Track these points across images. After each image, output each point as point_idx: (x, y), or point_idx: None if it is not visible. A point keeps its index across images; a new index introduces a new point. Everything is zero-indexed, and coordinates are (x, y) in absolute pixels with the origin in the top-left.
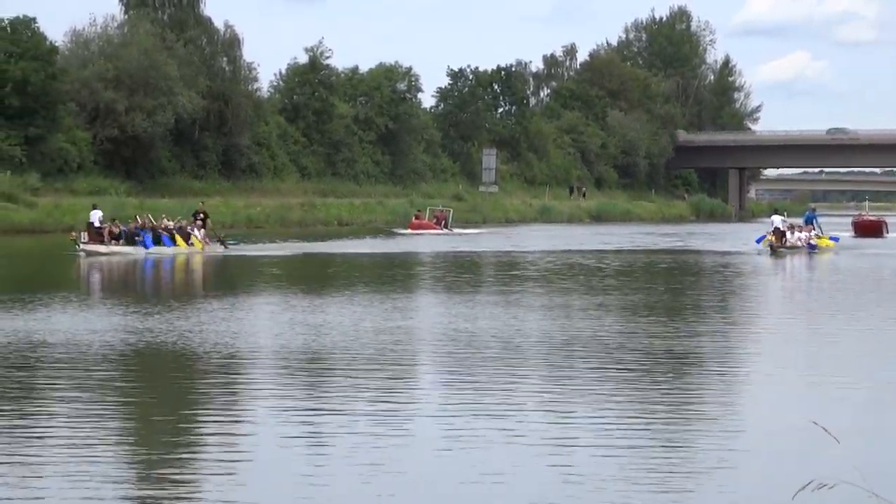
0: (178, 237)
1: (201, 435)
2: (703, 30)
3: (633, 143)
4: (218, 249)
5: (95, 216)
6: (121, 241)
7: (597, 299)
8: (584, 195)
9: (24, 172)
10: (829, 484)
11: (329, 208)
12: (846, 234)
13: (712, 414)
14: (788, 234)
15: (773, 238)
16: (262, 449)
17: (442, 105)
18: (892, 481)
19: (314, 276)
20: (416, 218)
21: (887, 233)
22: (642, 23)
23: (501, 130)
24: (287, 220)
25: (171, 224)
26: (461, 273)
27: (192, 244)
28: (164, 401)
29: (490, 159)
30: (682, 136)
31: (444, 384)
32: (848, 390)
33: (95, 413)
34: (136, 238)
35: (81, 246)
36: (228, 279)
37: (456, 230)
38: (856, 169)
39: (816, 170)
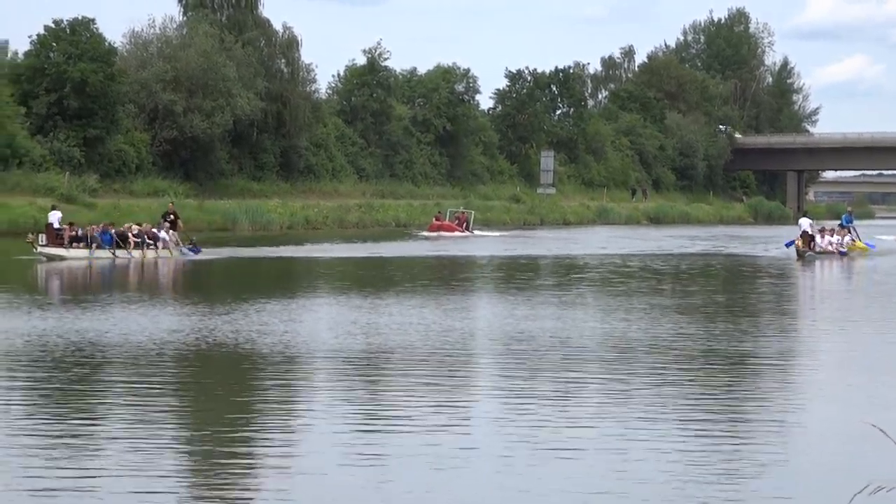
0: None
1: (260, 431)
2: (762, 32)
3: (690, 145)
4: (187, 252)
5: (55, 217)
6: (81, 245)
7: (612, 303)
8: (645, 196)
9: (82, 173)
10: (888, 487)
11: (387, 209)
12: (891, 238)
13: (767, 415)
14: (818, 238)
15: (801, 242)
16: (320, 443)
17: (500, 107)
18: None
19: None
20: (437, 219)
21: None
22: (700, 24)
23: (559, 132)
24: (345, 221)
25: (135, 229)
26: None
27: (160, 247)
28: (225, 393)
29: (548, 161)
30: (741, 138)
31: (499, 383)
32: None
33: (158, 407)
34: (96, 242)
35: (39, 249)
36: (196, 282)
37: (477, 232)
38: None
39: (875, 172)
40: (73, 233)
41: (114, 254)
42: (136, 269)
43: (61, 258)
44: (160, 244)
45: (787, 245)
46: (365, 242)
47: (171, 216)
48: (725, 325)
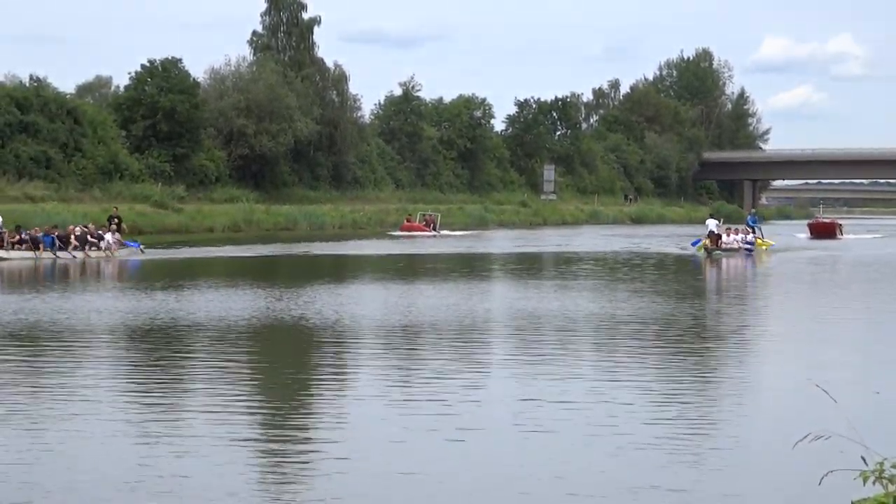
0: (86, 242)
1: (311, 393)
2: (723, 67)
3: (665, 159)
4: (126, 253)
5: None
6: (24, 247)
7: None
8: (634, 201)
9: (172, 184)
10: (825, 436)
11: (418, 213)
12: (802, 236)
13: (726, 377)
14: (724, 237)
15: (709, 241)
16: (361, 407)
17: (510, 129)
18: (879, 434)
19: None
20: (408, 221)
21: (841, 234)
22: (673, 61)
23: (559, 149)
24: (385, 222)
25: (78, 230)
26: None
27: (104, 248)
28: (282, 363)
29: (549, 173)
30: (706, 153)
31: (508, 356)
32: (842, 357)
33: (228, 373)
34: (40, 243)
35: None
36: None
37: (443, 232)
38: (846, 180)
39: (815, 181)
40: (18, 236)
41: (55, 255)
42: (79, 268)
43: (2, 259)
44: (103, 244)
45: (693, 244)
46: (353, 241)
47: (116, 220)
48: (685, 304)
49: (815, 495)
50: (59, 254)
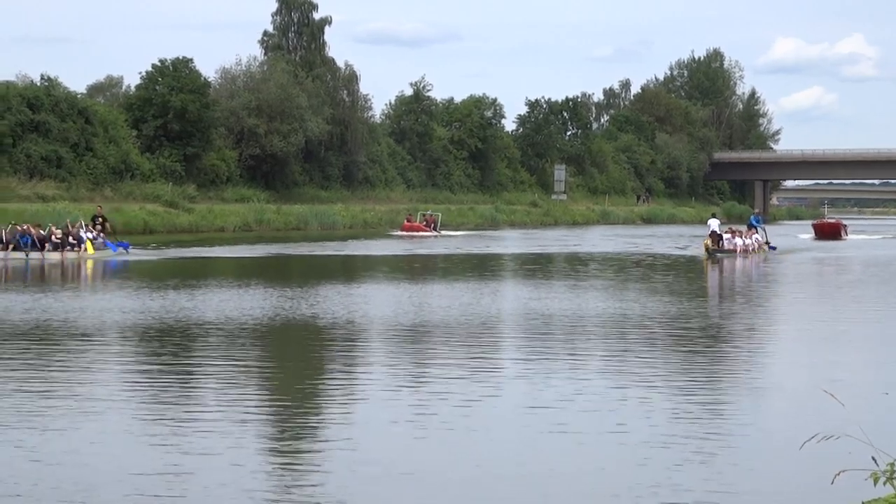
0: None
1: (322, 391)
2: (734, 67)
3: (676, 159)
4: (108, 254)
5: None
6: (9, 248)
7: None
8: (647, 201)
9: (183, 184)
10: (833, 436)
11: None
12: (807, 236)
13: (736, 379)
14: (727, 238)
15: (710, 242)
16: (372, 407)
17: (521, 129)
18: (888, 434)
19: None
20: (408, 221)
21: (846, 235)
22: (684, 61)
23: (569, 149)
24: (396, 222)
25: (59, 232)
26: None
27: (83, 249)
28: (293, 363)
29: (560, 173)
30: (717, 154)
31: (519, 355)
32: (851, 358)
33: (238, 372)
34: (11, 244)
35: None
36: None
37: (444, 232)
38: (857, 181)
39: (826, 181)
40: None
41: (26, 255)
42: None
43: None
44: (83, 246)
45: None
46: (357, 241)
47: (101, 219)
48: (692, 304)
49: (824, 495)
50: (35, 254)
